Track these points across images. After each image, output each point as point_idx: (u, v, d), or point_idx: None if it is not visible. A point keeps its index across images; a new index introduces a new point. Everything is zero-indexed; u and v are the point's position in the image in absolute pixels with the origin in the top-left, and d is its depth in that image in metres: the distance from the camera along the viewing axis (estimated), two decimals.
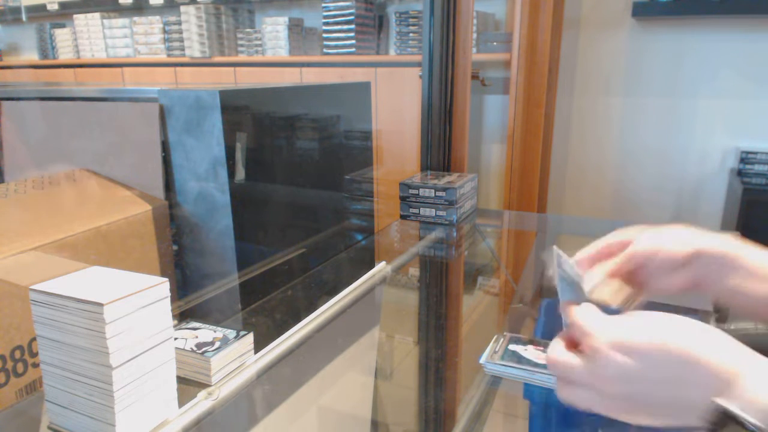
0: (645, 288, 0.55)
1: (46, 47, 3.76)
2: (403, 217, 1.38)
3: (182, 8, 3.00)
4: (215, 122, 0.95)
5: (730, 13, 2.04)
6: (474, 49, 2.30)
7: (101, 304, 0.50)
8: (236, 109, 0.98)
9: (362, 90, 1.43)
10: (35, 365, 0.81)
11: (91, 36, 3.44)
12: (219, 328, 0.72)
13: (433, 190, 1.32)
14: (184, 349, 0.67)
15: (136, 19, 3.28)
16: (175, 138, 1.00)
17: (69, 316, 0.52)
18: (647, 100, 2.31)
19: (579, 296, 0.48)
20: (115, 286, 0.53)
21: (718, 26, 2.13)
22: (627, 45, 2.29)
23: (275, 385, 0.71)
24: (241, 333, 0.71)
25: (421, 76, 1.52)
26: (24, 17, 3.89)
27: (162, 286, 0.55)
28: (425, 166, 1.57)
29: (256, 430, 0.66)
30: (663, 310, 0.45)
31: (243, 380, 0.68)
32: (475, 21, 2.18)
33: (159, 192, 1.03)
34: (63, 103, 1.13)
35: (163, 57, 3.22)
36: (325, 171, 1.27)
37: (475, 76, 2.29)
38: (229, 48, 3.08)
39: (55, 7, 3.60)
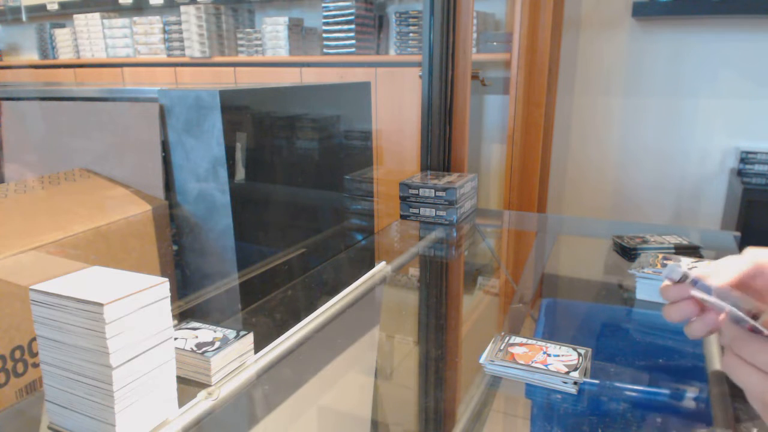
0: None
1: (46, 47, 3.76)
2: (403, 217, 1.38)
3: (182, 8, 3.00)
4: (215, 122, 0.95)
5: (730, 13, 2.04)
6: (474, 49, 2.30)
7: (101, 304, 0.50)
8: (236, 109, 0.98)
9: (362, 90, 1.43)
10: (35, 365, 0.81)
11: (91, 36, 3.45)
12: (219, 328, 0.72)
13: (433, 190, 1.32)
14: (184, 349, 0.67)
15: (136, 19, 3.28)
16: (175, 138, 1.00)
17: (69, 316, 0.52)
18: (647, 100, 2.31)
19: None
20: (115, 286, 0.53)
21: (718, 26, 2.13)
22: (627, 45, 2.29)
23: (275, 385, 0.71)
24: (241, 333, 0.71)
25: (421, 76, 1.52)
26: (24, 17, 3.89)
27: (162, 286, 0.55)
28: (425, 166, 1.57)
29: (256, 430, 0.66)
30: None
31: (243, 380, 0.68)
32: (475, 21, 2.18)
33: (159, 192, 1.03)
34: (63, 103, 1.13)
35: (163, 57, 3.22)
36: (325, 171, 1.27)
37: (475, 76, 2.30)
38: (229, 48, 3.08)
39: (55, 7, 3.60)
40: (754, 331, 0.44)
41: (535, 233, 1.45)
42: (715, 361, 0.73)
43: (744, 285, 0.48)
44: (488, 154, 2.65)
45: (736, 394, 0.64)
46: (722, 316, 0.46)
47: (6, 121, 1.19)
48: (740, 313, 0.44)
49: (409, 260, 1.18)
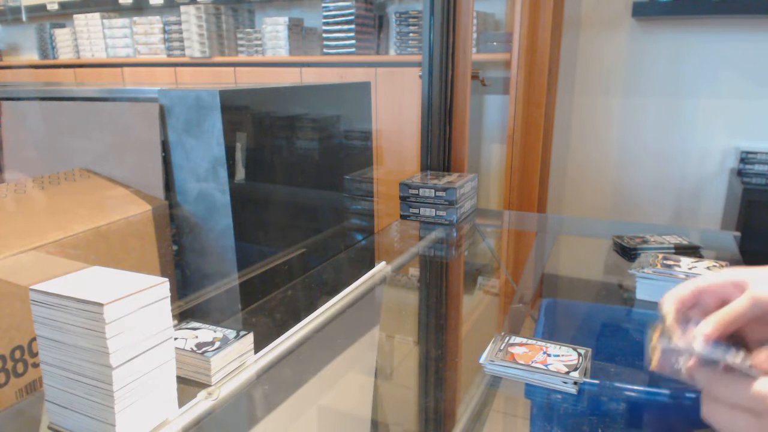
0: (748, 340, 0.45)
1: (46, 47, 3.76)
2: (403, 217, 1.38)
3: (182, 8, 3.00)
4: (215, 122, 0.95)
5: (730, 13, 2.04)
6: (474, 49, 2.30)
7: (101, 304, 0.50)
8: (236, 109, 0.98)
9: (362, 90, 1.43)
10: (35, 365, 0.81)
11: (91, 36, 3.45)
12: (219, 328, 0.72)
13: (433, 190, 1.32)
14: (184, 349, 0.67)
15: (136, 19, 3.28)
16: (175, 138, 1.00)
17: (69, 316, 0.52)
18: (647, 100, 2.31)
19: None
20: (115, 286, 0.53)
21: (718, 26, 2.13)
22: (627, 45, 2.29)
23: (275, 385, 0.71)
24: (241, 333, 0.71)
25: (421, 76, 1.52)
26: (24, 17, 3.89)
27: (162, 286, 0.55)
28: (425, 166, 1.57)
29: (256, 430, 0.66)
30: None
31: (243, 380, 0.68)
32: (475, 21, 2.18)
33: (159, 192, 1.03)
34: (63, 103, 1.13)
35: (163, 57, 3.22)
36: (325, 171, 1.27)
37: (475, 76, 2.30)
38: (229, 48, 3.08)
39: (55, 7, 3.60)
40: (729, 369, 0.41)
41: (535, 233, 1.45)
42: None
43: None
44: (488, 154, 2.64)
45: None
46: (692, 362, 0.43)
47: (6, 121, 1.19)
48: (713, 354, 0.42)
49: (409, 260, 1.18)
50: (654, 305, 0.91)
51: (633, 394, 0.69)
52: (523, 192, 2.30)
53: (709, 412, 0.42)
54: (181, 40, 3.10)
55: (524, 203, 2.32)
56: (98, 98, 1.11)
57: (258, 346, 0.73)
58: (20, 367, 0.79)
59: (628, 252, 1.10)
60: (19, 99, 1.21)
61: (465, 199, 1.38)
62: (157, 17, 3.21)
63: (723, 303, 0.45)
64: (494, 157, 2.62)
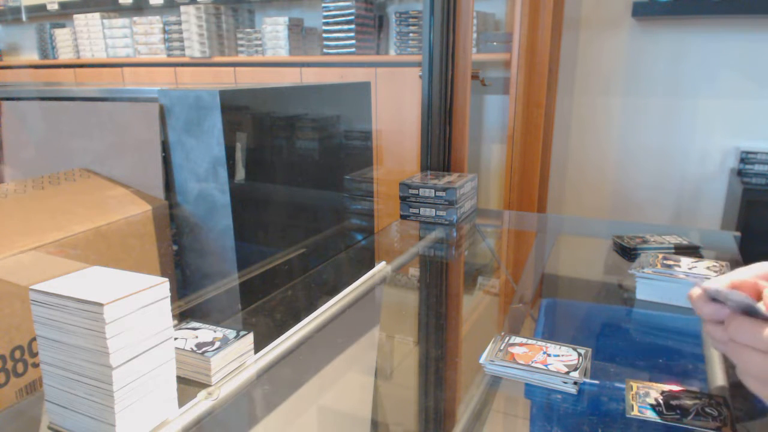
0: None
1: (46, 47, 3.76)
2: (403, 217, 1.38)
3: (182, 8, 3.00)
4: (215, 122, 0.95)
5: (730, 13, 2.04)
6: (474, 49, 2.30)
7: (101, 304, 0.50)
8: (236, 109, 0.98)
9: (362, 90, 1.43)
10: (35, 365, 0.81)
11: (91, 36, 3.45)
12: (219, 328, 0.72)
13: (433, 190, 1.32)
14: (184, 349, 0.67)
15: (136, 19, 3.28)
16: (175, 138, 1.00)
17: (69, 316, 0.52)
18: (647, 100, 2.31)
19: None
20: (115, 286, 0.53)
21: (718, 26, 2.13)
22: (627, 45, 2.29)
23: (275, 385, 0.71)
24: (241, 333, 0.71)
25: (421, 76, 1.52)
26: (24, 17, 3.90)
27: (162, 286, 0.55)
28: (425, 166, 1.57)
29: (256, 430, 0.66)
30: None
31: (243, 380, 0.68)
32: (475, 21, 2.18)
33: (159, 192, 1.03)
34: (63, 103, 1.13)
35: (163, 57, 3.22)
36: (325, 171, 1.27)
37: (475, 76, 2.30)
38: (229, 48, 3.08)
39: (55, 7, 3.60)
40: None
41: (535, 233, 1.45)
42: (715, 362, 0.73)
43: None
44: (488, 154, 2.65)
45: (735, 394, 0.64)
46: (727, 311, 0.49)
47: (6, 121, 1.19)
48: (756, 306, 0.46)
49: (409, 260, 1.18)
50: (654, 305, 0.91)
51: None
52: (523, 192, 2.30)
53: (729, 350, 0.50)
54: (181, 40, 3.10)
55: (524, 203, 2.32)
56: (98, 98, 1.11)
57: (258, 346, 0.73)
58: (20, 367, 0.79)
59: (628, 252, 1.10)
60: (19, 99, 1.21)
61: (465, 199, 1.38)
62: (157, 17, 3.21)
63: (757, 295, 0.51)
64: (494, 157, 2.63)
